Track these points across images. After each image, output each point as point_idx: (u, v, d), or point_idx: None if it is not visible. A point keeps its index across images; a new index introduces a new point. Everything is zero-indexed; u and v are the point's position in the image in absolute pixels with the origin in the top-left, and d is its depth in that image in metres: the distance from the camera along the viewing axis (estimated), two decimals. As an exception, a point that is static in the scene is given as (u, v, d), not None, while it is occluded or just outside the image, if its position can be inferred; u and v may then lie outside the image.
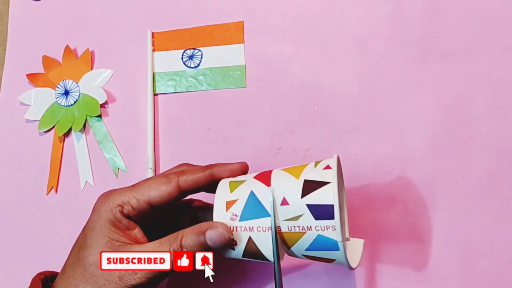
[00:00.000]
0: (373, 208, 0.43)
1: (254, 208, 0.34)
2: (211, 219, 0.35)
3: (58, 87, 0.52)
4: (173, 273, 0.33)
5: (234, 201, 0.34)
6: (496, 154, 0.42)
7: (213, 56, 0.49)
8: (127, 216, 0.35)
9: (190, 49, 0.50)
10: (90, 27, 0.53)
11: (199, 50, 0.50)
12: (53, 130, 0.51)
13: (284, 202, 0.33)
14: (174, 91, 0.50)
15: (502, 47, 0.44)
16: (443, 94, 0.44)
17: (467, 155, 0.43)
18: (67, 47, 0.52)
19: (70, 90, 0.51)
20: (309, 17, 0.48)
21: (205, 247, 0.33)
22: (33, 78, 0.52)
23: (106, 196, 0.35)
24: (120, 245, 0.34)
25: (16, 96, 0.52)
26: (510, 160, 0.42)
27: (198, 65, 0.50)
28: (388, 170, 0.44)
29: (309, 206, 0.33)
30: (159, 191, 0.35)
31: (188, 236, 0.33)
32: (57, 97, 0.51)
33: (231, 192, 0.34)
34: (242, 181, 0.35)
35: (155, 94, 0.50)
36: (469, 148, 0.43)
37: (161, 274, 0.33)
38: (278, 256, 0.33)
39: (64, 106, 0.51)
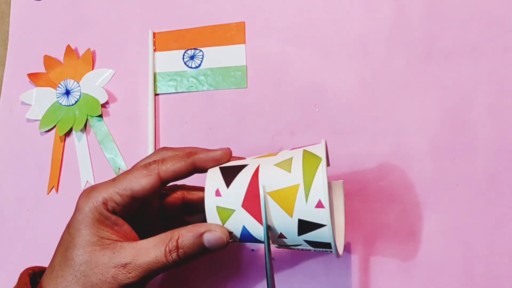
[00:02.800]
0: (373, 209, 0.43)
1: (249, 238, 0.35)
2: (198, 202, 0.37)
3: (59, 87, 0.52)
4: (166, 270, 0.33)
5: (229, 232, 0.34)
6: (497, 156, 0.42)
7: (214, 56, 0.49)
8: (113, 212, 0.34)
9: (191, 49, 0.50)
10: (92, 27, 0.53)
11: (200, 51, 0.50)
12: (54, 129, 0.51)
13: (282, 236, 0.34)
14: (175, 91, 0.50)
15: (504, 48, 0.44)
16: (445, 95, 0.44)
17: (468, 156, 0.43)
18: (68, 46, 0.52)
19: (71, 89, 0.51)
20: (310, 17, 0.48)
21: (202, 248, 0.33)
22: (34, 77, 0.52)
23: (87, 194, 0.34)
24: (111, 243, 0.33)
25: (17, 95, 0.52)
26: (511, 162, 0.42)
27: (199, 65, 0.50)
28: (389, 171, 0.44)
29: (306, 241, 0.34)
30: (140, 185, 0.34)
31: (185, 237, 0.33)
32: (58, 97, 0.51)
33: (223, 223, 0.34)
34: (231, 211, 0.34)
35: (156, 94, 0.50)
36: (470, 149, 0.43)
37: (154, 272, 0.33)
38: (271, 268, 0.34)
39: (65, 105, 0.51)
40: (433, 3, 0.46)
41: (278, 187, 0.33)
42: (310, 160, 0.33)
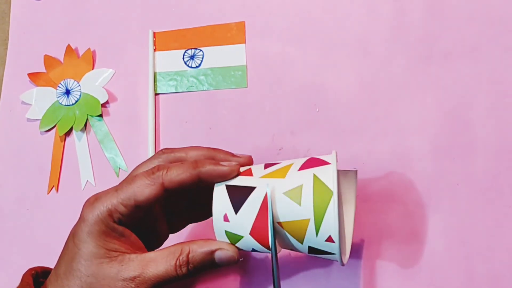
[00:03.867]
0: (373, 209, 0.43)
1: (258, 253, 0.36)
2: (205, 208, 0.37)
3: (59, 87, 0.52)
4: (174, 282, 0.33)
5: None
6: (497, 156, 0.42)
7: (215, 56, 0.49)
8: (119, 223, 0.34)
9: (191, 49, 0.50)
10: (92, 26, 0.53)
11: (201, 50, 0.50)
12: (54, 129, 0.51)
13: (291, 250, 0.36)
14: (175, 91, 0.50)
15: (504, 48, 0.44)
16: (445, 95, 0.44)
17: (469, 156, 0.43)
18: (69, 46, 0.52)
19: (71, 89, 0.51)
20: (311, 17, 0.48)
21: (212, 264, 0.34)
22: (34, 77, 0.52)
23: (91, 204, 0.34)
24: (118, 255, 0.33)
25: (17, 95, 0.52)
26: (511, 161, 0.42)
27: (199, 65, 0.50)
28: (389, 171, 0.44)
29: (316, 256, 0.35)
30: (144, 195, 0.33)
31: (195, 252, 0.33)
32: (58, 97, 0.51)
33: (234, 244, 0.35)
34: (240, 237, 0.34)
35: (156, 94, 0.50)
36: (470, 149, 0.43)
37: (162, 284, 0.33)
38: (277, 267, 0.34)
39: (65, 105, 0.51)
40: (433, 3, 0.46)
41: (288, 219, 0.33)
42: (321, 192, 0.32)
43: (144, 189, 0.33)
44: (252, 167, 0.36)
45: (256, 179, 0.34)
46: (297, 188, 0.33)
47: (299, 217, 0.33)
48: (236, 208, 0.34)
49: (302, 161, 0.35)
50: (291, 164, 0.35)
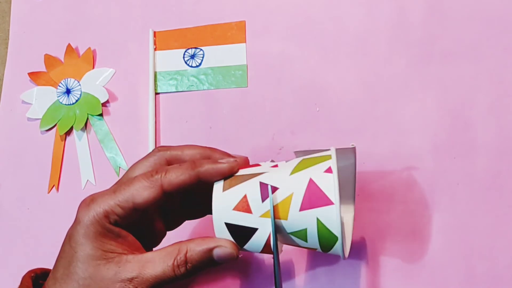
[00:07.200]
0: (374, 208, 0.43)
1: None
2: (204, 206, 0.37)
3: (59, 86, 0.52)
4: (172, 282, 0.33)
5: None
6: (498, 155, 0.42)
7: (215, 55, 0.49)
8: (115, 224, 0.33)
9: (191, 48, 0.50)
10: (92, 26, 0.53)
11: (201, 50, 0.50)
12: (55, 128, 0.51)
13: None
14: (175, 90, 0.50)
15: (505, 48, 0.44)
16: (445, 95, 0.44)
17: (469, 156, 0.43)
18: (69, 45, 0.52)
19: (72, 88, 0.51)
20: (311, 17, 0.48)
21: (211, 262, 0.33)
22: (34, 76, 0.52)
23: (87, 205, 0.33)
24: (115, 256, 0.33)
25: (17, 94, 0.52)
26: (511, 161, 0.42)
27: (200, 64, 0.50)
28: (389, 170, 0.44)
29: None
30: (143, 197, 0.33)
31: (193, 251, 0.33)
32: (59, 96, 0.51)
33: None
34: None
35: (156, 93, 0.50)
36: (471, 149, 0.43)
37: (161, 285, 0.33)
38: (278, 260, 0.34)
39: (65, 104, 0.51)
40: (433, 3, 0.46)
41: (295, 245, 0.35)
42: (326, 236, 0.33)
43: (142, 192, 0.33)
44: (247, 191, 0.34)
45: (257, 218, 0.33)
46: (302, 231, 0.33)
47: (306, 246, 0.34)
48: (240, 244, 0.34)
49: (302, 190, 0.33)
50: (290, 196, 0.33)
